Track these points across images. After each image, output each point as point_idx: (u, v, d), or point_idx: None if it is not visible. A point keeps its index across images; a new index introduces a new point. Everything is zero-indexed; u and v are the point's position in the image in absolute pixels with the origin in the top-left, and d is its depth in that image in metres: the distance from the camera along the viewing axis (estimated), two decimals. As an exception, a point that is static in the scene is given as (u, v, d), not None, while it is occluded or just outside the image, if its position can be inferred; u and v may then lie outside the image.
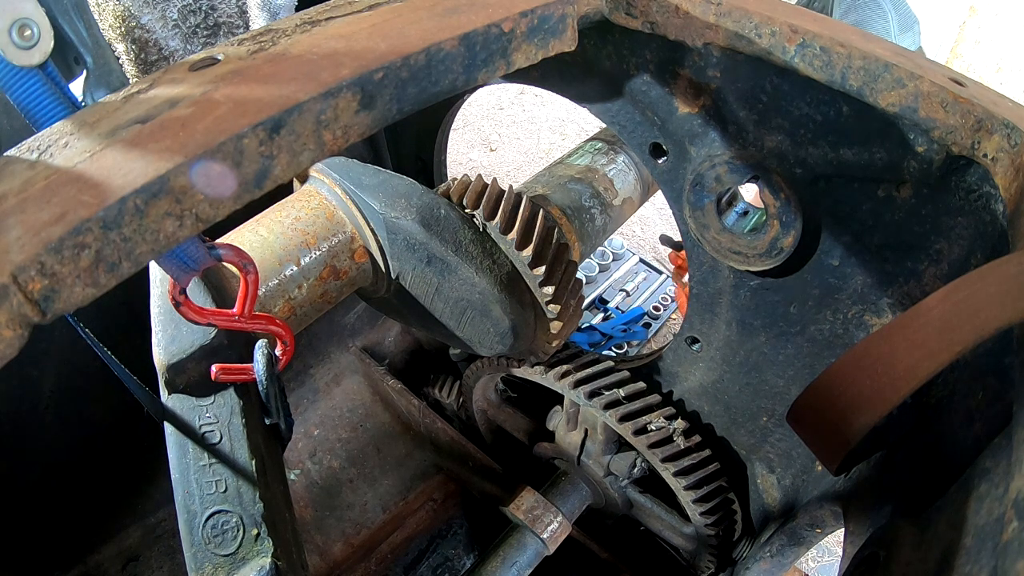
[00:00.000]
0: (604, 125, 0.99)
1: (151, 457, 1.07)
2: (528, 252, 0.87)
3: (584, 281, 2.36)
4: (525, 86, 1.62)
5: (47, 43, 0.46)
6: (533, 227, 0.89)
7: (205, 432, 0.68)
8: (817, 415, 0.54)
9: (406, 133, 1.40)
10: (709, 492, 1.10)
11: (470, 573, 1.19)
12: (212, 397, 0.70)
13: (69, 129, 0.48)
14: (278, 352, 0.72)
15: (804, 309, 0.88)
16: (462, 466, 1.56)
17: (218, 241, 0.74)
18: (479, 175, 0.93)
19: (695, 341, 1.07)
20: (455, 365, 1.63)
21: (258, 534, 0.63)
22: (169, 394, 0.70)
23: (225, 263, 0.69)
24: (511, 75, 0.74)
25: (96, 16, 1.34)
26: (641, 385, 1.15)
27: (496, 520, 1.28)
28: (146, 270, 0.63)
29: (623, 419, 1.10)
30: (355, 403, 1.75)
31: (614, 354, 2.30)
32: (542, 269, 0.88)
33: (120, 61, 1.40)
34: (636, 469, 1.25)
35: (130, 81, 1.00)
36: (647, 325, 2.78)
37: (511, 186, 0.96)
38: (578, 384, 1.13)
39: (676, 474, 1.08)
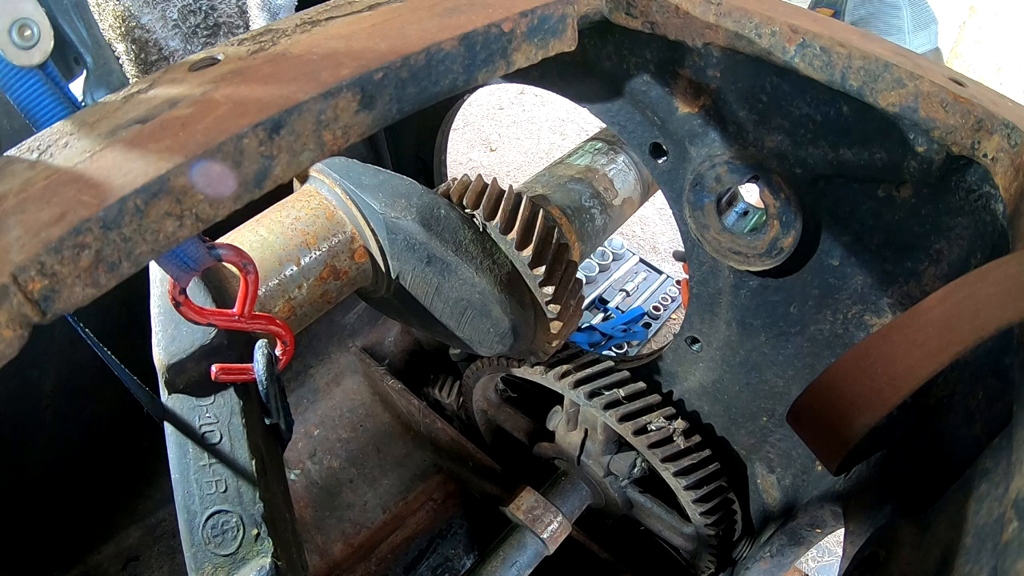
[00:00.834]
0: (604, 125, 0.99)
1: (151, 457, 1.07)
2: (528, 252, 0.87)
3: (584, 281, 2.36)
4: (525, 86, 1.62)
5: (47, 43, 0.46)
6: (533, 227, 0.89)
7: (205, 432, 0.68)
8: (817, 415, 0.54)
9: (406, 133, 1.40)
10: (709, 492, 1.10)
11: (470, 573, 1.19)
12: (212, 397, 0.70)
13: (69, 129, 0.48)
14: (278, 352, 0.72)
15: (804, 309, 0.88)
16: (462, 466, 1.56)
17: (218, 241, 0.74)
18: (479, 175, 0.93)
19: (695, 341, 1.07)
20: (455, 365, 1.63)
21: (258, 534, 0.63)
22: (169, 394, 0.70)
23: (225, 263, 0.69)
24: (511, 75, 0.74)
25: (96, 16, 1.34)
26: (641, 385, 1.15)
27: (496, 520, 1.28)
28: (146, 270, 0.63)
29: (623, 419, 1.10)
30: (355, 403, 1.75)
31: (614, 354, 2.30)
32: (542, 269, 0.88)
33: (120, 61, 1.40)
34: (636, 469, 1.25)
35: (130, 81, 1.00)
36: (647, 325, 2.78)
37: (511, 186, 0.96)
38: (578, 384, 1.13)
39: (676, 474, 1.08)
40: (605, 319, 2.78)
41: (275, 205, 0.89)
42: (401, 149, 1.44)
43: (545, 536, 1.22)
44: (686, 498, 1.10)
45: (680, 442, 1.09)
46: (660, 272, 3.00)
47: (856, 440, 0.51)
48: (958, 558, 0.46)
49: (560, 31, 0.65)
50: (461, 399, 1.56)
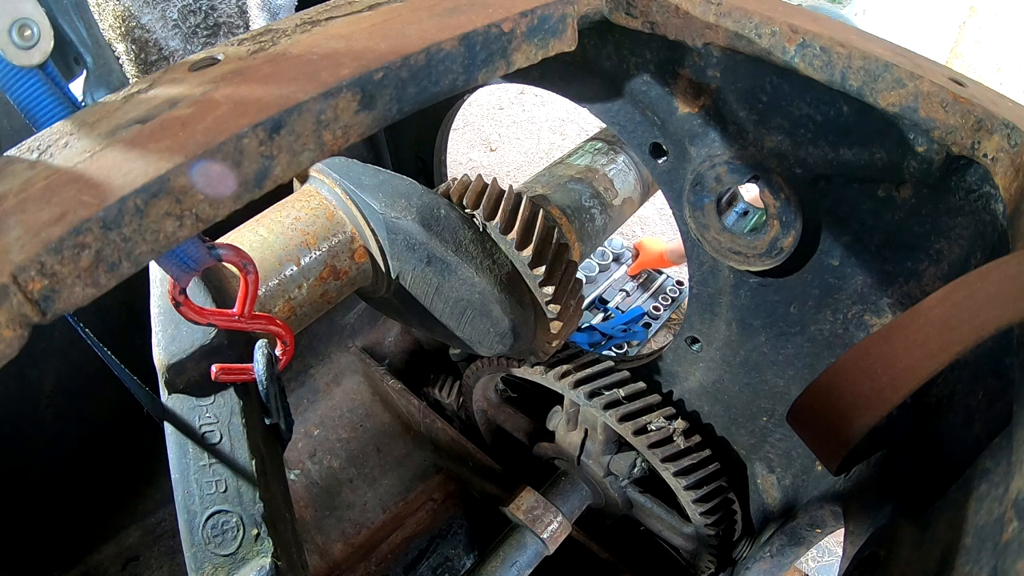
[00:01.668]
0: (604, 125, 0.99)
1: (151, 457, 1.07)
2: (528, 252, 0.87)
3: (584, 281, 2.36)
4: (525, 86, 1.62)
5: (47, 43, 0.46)
6: (533, 227, 0.89)
7: (205, 432, 0.68)
8: (817, 415, 0.54)
9: (406, 133, 1.40)
10: (709, 492, 1.10)
11: (470, 573, 1.19)
12: (212, 397, 0.70)
13: (69, 129, 0.48)
14: (278, 352, 0.72)
15: (804, 309, 0.88)
16: (462, 466, 1.56)
17: (218, 241, 0.74)
18: (479, 175, 0.93)
19: (695, 341, 1.07)
20: (455, 365, 1.63)
21: (258, 534, 0.63)
22: (169, 394, 0.70)
23: (225, 263, 0.69)
24: (511, 75, 0.74)
25: (96, 16, 1.34)
26: (641, 385, 1.15)
27: (496, 520, 1.28)
28: (146, 270, 0.63)
29: (623, 419, 1.10)
30: (355, 403, 1.75)
31: (614, 354, 2.30)
32: (542, 269, 0.88)
33: (120, 61, 1.40)
34: (636, 469, 1.25)
35: (130, 81, 1.00)
36: (647, 325, 2.78)
37: (511, 186, 0.96)
38: (578, 384, 1.13)
39: (676, 474, 1.08)
40: (605, 319, 2.78)
41: (275, 205, 0.89)
42: (401, 149, 1.44)
43: (545, 536, 1.22)
44: (686, 498, 1.10)
45: (680, 442, 1.09)
46: (660, 272, 3.00)
47: (856, 440, 0.51)
48: (958, 558, 0.46)
49: (560, 31, 0.65)
50: (461, 399, 1.56)
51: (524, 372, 1.21)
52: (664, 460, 1.08)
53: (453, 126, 1.33)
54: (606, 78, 0.87)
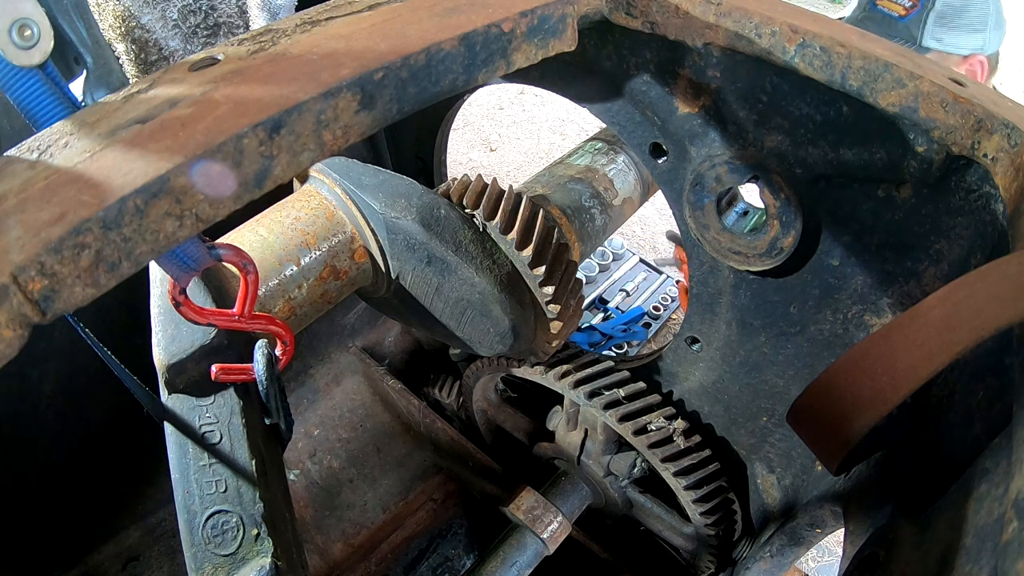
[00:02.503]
0: (604, 125, 0.99)
1: (151, 457, 1.07)
2: (528, 252, 0.87)
3: (584, 281, 2.36)
4: (525, 86, 1.62)
5: (47, 43, 0.46)
6: (533, 227, 0.89)
7: (205, 432, 0.68)
8: (817, 415, 0.54)
9: (406, 133, 1.40)
10: (709, 492, 1.10)
11: (470, 573, 1.19)
12: (212, 397, 0.70)
13: (69, 129, 0.48)
14: (278, 352, 0.72)
15: (804, 309, 0.88)
16: (462, 466, 1.56)
17: (218, 241, 0.74)
18: (479, 175, 0.93)
19: (695, 341, 1.07)
20: (455, 365, 1.63)
21: (258, 534, 0.63)
22: (169, 394, 0.70)
23: (225, 263, 0.69)
24: (511, 75, 0.74)
25: (96, 16, 1.34)
26: (641, 385, 1.15)
27: (496, 520, 1.28)
28: (146, 270, 0.63)
29: (623, 419, 1.10)
30: (355, 403, 1.75)
31: (614, 354, 2.30)
32: (542, 269, 0.88)
33: (120, 61, 1.40)
34: (636, 469, 1.25)
35: (130, 81, 1.00)
36: (647, 325, 2.78)
37: (511, 186, 0.96)
38: (578, 384, 1.13)
39: (676, 474, 1.08)
40: (605, 319, 2.78)
41: (275, 205, 0.89)
42: (401, 149, 1.44)
43: (545, 536, 1.22)
44: (686, 498, 1.10)
45: (680, 442, 1.09)
46: (660, 272, 3.00)
47: (856, 440, 0.51)
48: (958, 558, 0.46)
49: (560, 31, 0.65)
50: (461, 399, 1.56)
51: (524, 372, 1.21)
52: (664, 460, 1.08)
53: (453, 126, 1.33)
54: (606, 78, 0.87)
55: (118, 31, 1.36)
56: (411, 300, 0.93)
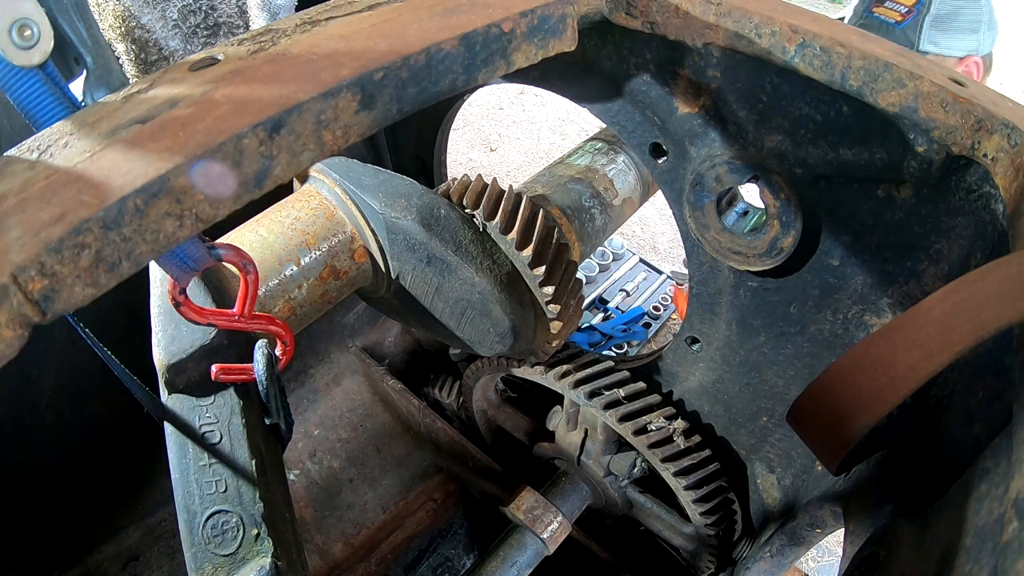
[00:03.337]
0: (604, 125, 0.99)
1: (151, 457, 1.07)
2: (528, 252, 0.87)
3: (584, 281, 2.36)
4: (525, 86, 1.62)
5: (47, 43, 0.46)
6: (533, 227, 0.89)
7: (205, 432, 0.68)
8: (817, 415, 0.54)
9: (406, 133, 1.40)
10: (709, 492, 1.10)
11: (470, 573, 1.19)
12: (212, 397, 0.70)
13: (69, 129, 0.48)
14: (278, 352, 0.72)
15: (804, 309, 0.88)
16: (462, 466, 1.56)
17: (218, 241, 0.74)
18: (479, 175, 0.93)
19: (695, 341, 1.07)
20: (455, 365, 1.63)
21: (258, 534, 0.63)
22: (169, 394, 0.70)
23: (225, 263, 0.69)
24: (511, 75, 0.74)
25: (96, 16, 1.34)
26: (641, 385, 1.15)
27: (496, 520, 1.28)
28: (146, 270, 0.63)
29: (623, 419, 1.10)
30: (355, 403, 1.75)
31: (614, 354, 2.30)
32: (542, 269, 0.88)
33: (120, 61, 1.40)
34: (636, 469, 1.25)
35: (130, 81, 1.00)
36: (647, 325, 2.78)
37: (511, 186, 0.96)
38: (578, 384, 1.13)
39: (676, 474, 1.08)
40: (605, 319, 2.78)
41: (275, 205, 0.89)
42: (401, 149, 1.44)
43: (545, 536, 1.22)
44: (686, 498, 1.10)
45: (680, 442, 1.09)
46: (660, 272, 3.00)
47: (856, 440, 0.51)
48: (958, 558, 0.46)
49: (560, 31, 0.65)
50: (461, 399, 1.56)
51: (524, 372, 1.21)
52: (664, 460, 1.08)
53: (453, 126, 1.33)
54: (606, 78, 0.87)
55: (118, 31, 1.36)
56: (411, 300, 0.93)
